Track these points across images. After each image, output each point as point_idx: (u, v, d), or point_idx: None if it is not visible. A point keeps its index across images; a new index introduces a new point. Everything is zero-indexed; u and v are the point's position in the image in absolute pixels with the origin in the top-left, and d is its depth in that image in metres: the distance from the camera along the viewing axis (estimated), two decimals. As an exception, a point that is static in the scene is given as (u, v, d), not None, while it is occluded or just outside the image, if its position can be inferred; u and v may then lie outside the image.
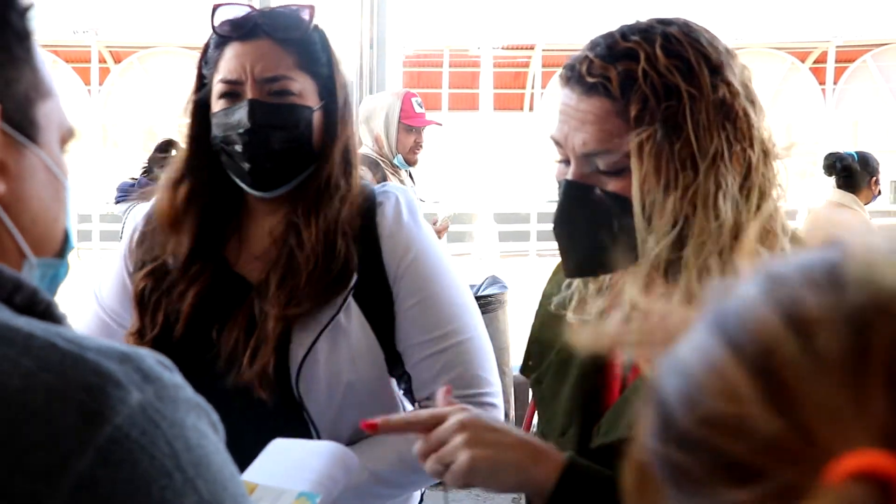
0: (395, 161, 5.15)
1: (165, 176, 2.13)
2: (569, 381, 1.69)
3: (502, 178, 21.94)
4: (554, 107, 1.59)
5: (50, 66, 1.06)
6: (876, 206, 6.77)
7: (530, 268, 16.43)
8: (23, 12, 1.01)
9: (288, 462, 1.54)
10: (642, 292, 1.57)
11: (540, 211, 21.17)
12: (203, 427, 0.93)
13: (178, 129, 2.15)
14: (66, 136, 1.09)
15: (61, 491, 0.83)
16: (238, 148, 1.99)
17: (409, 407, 2.15)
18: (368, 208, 2.09)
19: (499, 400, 2.08)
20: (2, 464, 0.83)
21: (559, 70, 1.57)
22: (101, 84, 27.06)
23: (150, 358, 0.92)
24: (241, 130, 1.97)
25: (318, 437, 1.98)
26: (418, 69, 22.44)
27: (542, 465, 1.49)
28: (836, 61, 28.41)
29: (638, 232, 1.49)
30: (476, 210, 20.69)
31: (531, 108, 25.19)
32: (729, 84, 1.48)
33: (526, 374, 1.84)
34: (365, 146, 5.08)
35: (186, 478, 0.88)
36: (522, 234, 22.46)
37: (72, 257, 1.12)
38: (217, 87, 2.02)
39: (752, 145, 1.49)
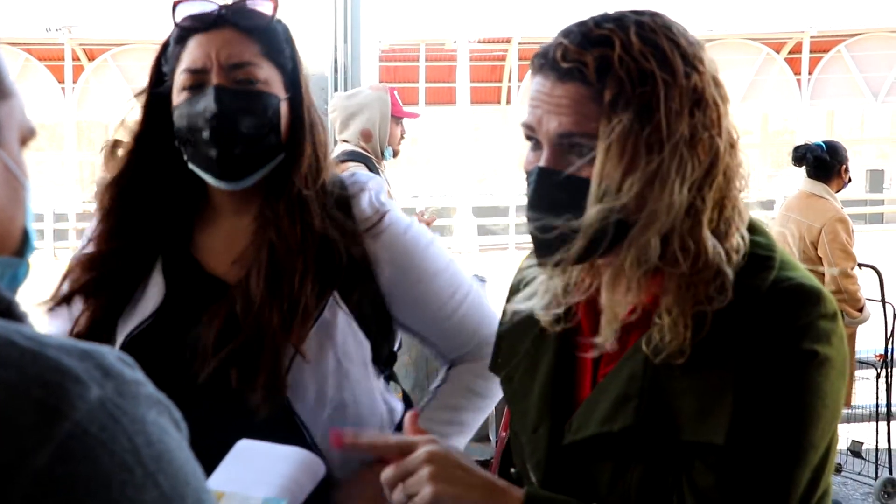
0: (386, 153, 5.19)
1: (111, 175, 2.10)
2: (539, 377, 1.69)
3: (480, 172, 21.97)
4: (525, 94, 1.58)
5: (9, 66, 1.04)
6: (848, 193, 6.87)
7: (510, 261, 16.46)
8: None
9: (253, 467, 1.53)
10: (612, 279, 1.59)
11: (518, 204, 21.19)
12: (164, 423, 0.93)
13: (128, 128, 2.11)
14: (27, 135, 1.08)
15: (19, 486, 0.83)
16: (205, 135, 1.95)
17: (393, 401, 2.15)
18: (342, 198, 2.08)
19: None
20: None
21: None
22: (74, 82, 26.98)
23: (111, 355, 0.92)
24: (207, 115, 1.94)
25: (312, 440, 1.97)
26: (394, 63, 22.45)
27: (507, 499, 1.52)
28: (811, 51, 28.58)
29: (589, 204, 1.48)
30: (455, 204, 20.71)
31: (508, 102, 25.25)
32: (701, 73, 1.48)
33: (495, 371, 1.86)
34: (347, 143, 5.09)
35: (147, 473, 0.88)
36: (501, 228, 22.53)
37: (33, 258, 1.11)
38: (180, 79, 1.99)
39: (720, 133, 1.49)
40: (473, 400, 2.23)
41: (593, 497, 1.57)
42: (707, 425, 1.47)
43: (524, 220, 1.67)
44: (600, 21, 1.49)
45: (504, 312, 1.84)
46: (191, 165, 2.01)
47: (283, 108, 2.01)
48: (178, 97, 1.99)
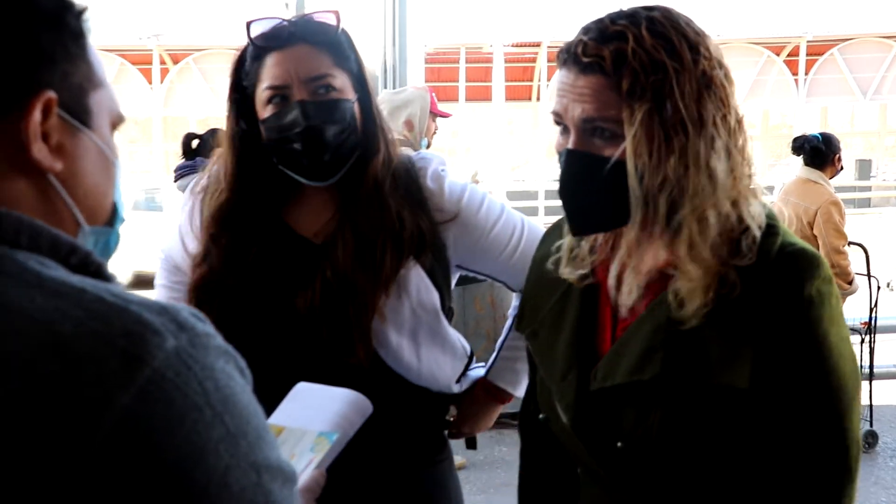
0: (421, 143, 5.27)
1: (213, 169, 2.13)
2: (565, 329, 1.68)
3: (513, 161, 21.92)
4: (553, 86, 1.60)
5: (102, 60, 1.08)
6: (839, 180, 6.88)
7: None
8: (78, 15, 1.04)
9: (310, 405, 1.53)
10: (635, 244, 1.61)
11: (546, 189, 21.12)
12: (231, 370, 0.95)
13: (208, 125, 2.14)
14: (116, 121, 1.11)
15: (105, 424, 0.86)
16: (297, 146, 1.97)
17: (462, 340, 2.22)
18: (411, 171, 2.11)
19: None
20: (55, 400, 0.86)
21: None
22: (161, 82, 27.17)
23: (186, 311, 0.95)
24: (297, 130, 1.95)
25: (405, 385, 2.05)
26: (437, 65, 22.45)
27: None
28: (807, 54, 28.31)
29: (631, 191, 1.50)
30: (490, 189, 20.74)
31: (538, 99, 25.17)
32: (707, 58, 1.50)
33: (520, 329, 1.87)
34: (394, 132, 5.09)
35: (215, 413, 0.91)
36: (532, 210, 22.55)
37: (123, 228, 1.15)
38: (264, 95, 1.99)
39: (730, 112, 1.51)
40: None
41: (617, 436, 1.57)
42: (730, 371, 1.47)
43: (553, 202, 1.69)
44: (615, 18, 1.51)
45: (528, 279, 1.86)
46: (281, 167, 2.02)
47: (356, 109, 2.02)
48: (264, 110, 1.99)
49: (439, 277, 2.10)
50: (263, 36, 1.99)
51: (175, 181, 6.31)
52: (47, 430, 0.86)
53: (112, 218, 1.12)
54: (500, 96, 21.98)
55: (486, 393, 2.26)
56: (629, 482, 1.62)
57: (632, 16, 1.50)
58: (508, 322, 2.32)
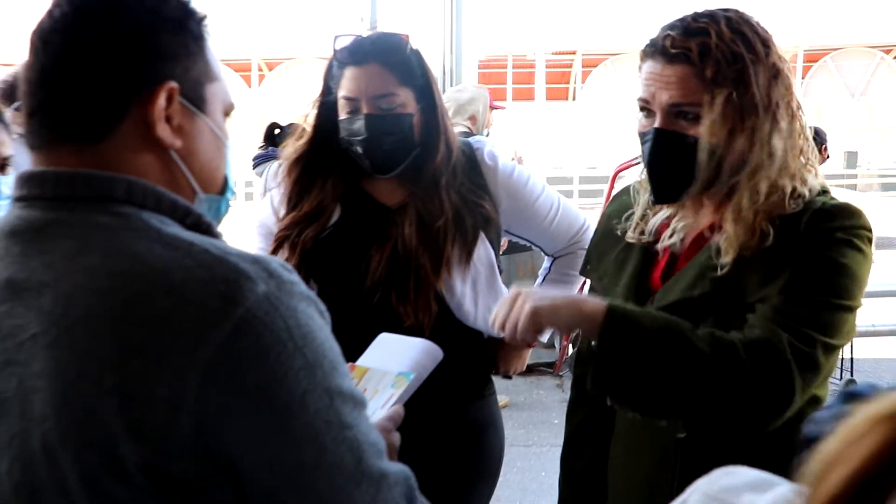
0: (482, 134, 5.39)
1: (292, 150, 2.15)
2: (626, 273, 1.68)
3: (553, 150, 21.76)
4: (640, 75, 1.58)
5: (217, 58, 1.12)
6: (831, 169, 6.81)
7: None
8: (199, 21, 1.08)
9: (390, 351, 1.55)
10: (691, 208, 1.64)
11: (581, 175, 20.90)
12: (312, 312, 0.97)
13: (305, 118, 2.16)
14: (228, 109, 1.13)
15: (205, 353, 0.90)
16: (359, 150, 2.02)
17: (506, 290, 2.21)
18: (470, 155, 2.15)
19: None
20: (165, 332, 0.91)
21: (604, 61, 1.56)
22: (259, 86, 27.30)
23: (275, 262, 0.98)
24: (360, 137, 2.01)
25: (463, 329, 2.10)
26: (488, 70, 22.33)
27: (591, 304, 1.49)
28: (804, 62, 27.76)
29: (699, 163, 1.50)
30: (532, 174, 20.57)
31: (574, 98, 24.91)
32: (776, 52, 1.51)
33: (586, 274, 1.88)
34: (457, 125, 5.16)
35: (296, 346, 0.94)
36: (567, 192, 22.40)
37: (232, 198, 1.18)
38: (341, 102, 2.04)
39: (792, 99, 1.53)
40: (568, 280, 2.33)
41: None
42: (767, 288, 1.47)
43: (586, 186, 1.68)
44: (697, 17, 1.51)
45: (595, 232, 1.87)
46: (352, 155, 2.06)
47: (416, 119, 2.04)
48: (341, 112, 2.04)
49: (493, 238, 2.13)
50: (345, 51, 2.03)
51: (253, 168, 6.37)
52: (161, 355, 0.90)
53: (223, 188, 1.14)
54: (542, 96, 21.83)
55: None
56: None
57: (711, 15, 1.50)
58: (539, 279, 2.36)
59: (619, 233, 1.73)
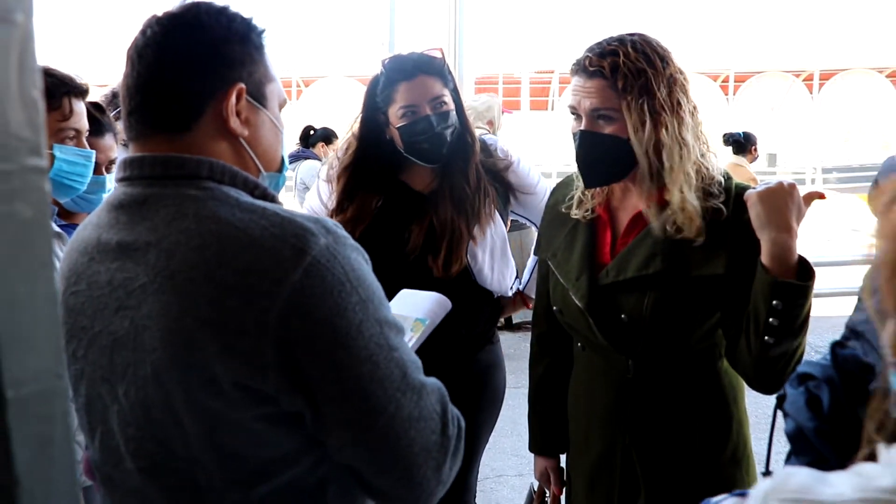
0: (498, 135, 5.46)
1: (343, 155, 2.16)
2: (576, 248, 1.68)
3: (535, 150, 21.68)
4: (568, 88, 1.63)
5: (273, 62, 1.12)
6: (755, 166, 6.88)
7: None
8: (259, 34, 1.09)
9: (409, 302, 1.56)
10: (621, 193, 1.66)
11: (558, 171, 20.84)
12: (360, 259, 1.01)
13: (351, 130, 2.16)
14: (282, 103, 1.15)
15: (284, 292, 0.92)
16: (426, 146, 2.03)
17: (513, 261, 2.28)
18: (485, 148, 2.18)
19: None
20: (251, 276, 0.93)
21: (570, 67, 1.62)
22: (297, 99, 27.13)
23: (330, 222, 1.01)
24: (427, 135, 2.01)
25: (488, 294, 2.14)
26: (483, 86, 22.21)
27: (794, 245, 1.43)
28: (734, 81, 27.40)
29: (637, 152, 1.53)
30: (532, 166, 20.28)
31: (553, 109, 24.79)
32: (672, 66, 1.54)
33: (538, 253, 1.85)
34: (480, 128, 5.22)
35: (352, 286, 0.96)
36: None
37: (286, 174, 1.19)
38: (400, 111, 2.03)
39: (689, 101, 1.55)
40: None
41: (620, 314, 1.60)
42: (712, 264, 1.51)
43: (571, 171, 1.75)
44: (609, 41, 1.55)
45: (542, 219, 1.85)
46: (405, 153, 2.06)
47: (453, 116, 2.06)
48: (399, 121, 2.03)
49: (504, 216, 2.16)
50: (397, 71, 2.04)
51: (289, 164, 6.42)
52: (248, 293, 0.93)
53: (280, 167, 1.16)
54: (527, 107, 21.76)
55: (521, 299, 2.31)
56: (625, 346, 1.63)
57: (621, 39, 1.54)
58: (532, 257, 2.35)
59: (565, 213, 1.73)
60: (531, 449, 1.90)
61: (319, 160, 6.06)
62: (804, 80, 23.17)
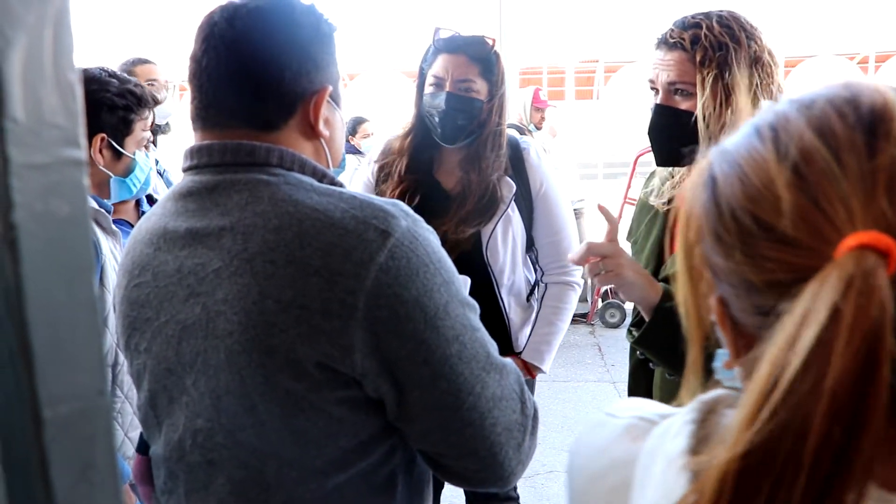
0: (530, 127, 5.69)
1: (403, 127, 2.19)
2: (651, 239, 1.68)
3: (580, 141, 21.54)
4: (650, 61, 1.58)
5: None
6: None
7: (598, 192, 16.21)
8: (335, 32, 1.10)
9: None
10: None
11: (605, 161, 20.61)
12: (436, 241, 1.01)
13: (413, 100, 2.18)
14: (341, 101, 1.15)
15: (371, 272, 0.92)
16: (436, 120, 2.03)
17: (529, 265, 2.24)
18: (517, 150, 2.15)
19: (577, 278, 2.22)
20: (335, 257, 0.92)
21: (621, 67, 1.58)
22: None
23: (404, 205, 1.02)
24: (439, 110, 2.02)
25: (499, 286, 2.12)
26: (527, 76, 22.11)
27: (655, 291, 1.46)
28: (784, 66, 26.88)
29: (700, 132, 1.48)
30: (565, 157, 20.34)
31: (598, 98, 24.55)
32: (758, 43, 1.49)
33: (629, 238, 1.84)
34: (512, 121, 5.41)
35: (435, 267, 0.97)
36: (592, 175, 22.07)
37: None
38: (429, 79, 2.06)
39: (773, 82, 1.50)
40: (559, 311, 2.27)
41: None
42: None
43: (609, 170, 1.68)
44: (694, 15, 1.51)
45: (636, 208, 1.84)
46: (429, 124, 2.09)
47: (485, 107, 2.05)
48: (427, 89, 2.06)
49: (525, 217, 2.15)
50: (443, 41, 2.06)
51: None
52: (333, 274, 0.92)
53: (342, 162, 1.17)
54: (571, 97, 21.59)
55: (522, 365, 2.24)
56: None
57: (707, 13, 1.50)
58: (534, 313, 2.27)
59: (649, 204, 1.72)
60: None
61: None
62: (859, 63, 22.52)
